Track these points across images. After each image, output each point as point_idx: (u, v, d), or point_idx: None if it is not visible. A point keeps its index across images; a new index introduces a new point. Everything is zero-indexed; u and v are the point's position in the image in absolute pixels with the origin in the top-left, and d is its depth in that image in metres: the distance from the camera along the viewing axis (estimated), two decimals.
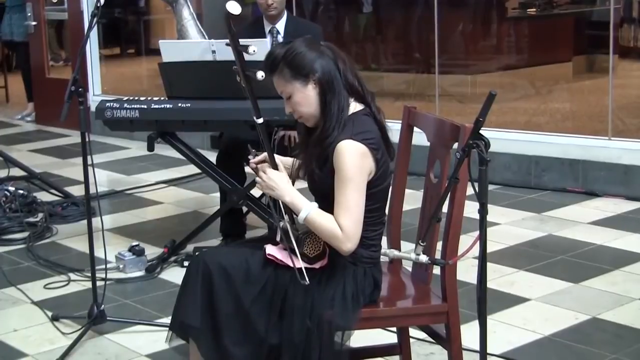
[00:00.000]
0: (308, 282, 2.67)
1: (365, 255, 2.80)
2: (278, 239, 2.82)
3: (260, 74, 2.73)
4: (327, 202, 2.72)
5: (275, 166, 2.81)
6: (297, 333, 2.69)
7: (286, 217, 2.77)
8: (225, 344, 2.71)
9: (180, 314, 2.80)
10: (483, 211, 2.45)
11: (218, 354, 2.74)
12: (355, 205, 2.68)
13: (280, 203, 2.78)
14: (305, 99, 2.76)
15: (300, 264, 2.70)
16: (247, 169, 4.82)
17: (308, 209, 2.71)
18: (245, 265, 2.76)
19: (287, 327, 2.70)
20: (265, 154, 2.85)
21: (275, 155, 2.85)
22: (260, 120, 2.80)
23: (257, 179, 2.80)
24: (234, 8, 2.74)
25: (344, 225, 2.67)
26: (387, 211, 3.10)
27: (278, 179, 2.77)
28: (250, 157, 2.86)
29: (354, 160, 2.67)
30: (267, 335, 2.71)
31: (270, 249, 2.79)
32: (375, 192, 2.76)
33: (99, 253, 3.86)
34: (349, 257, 2.76)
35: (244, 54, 2.79)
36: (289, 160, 2.96)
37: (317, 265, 2.75)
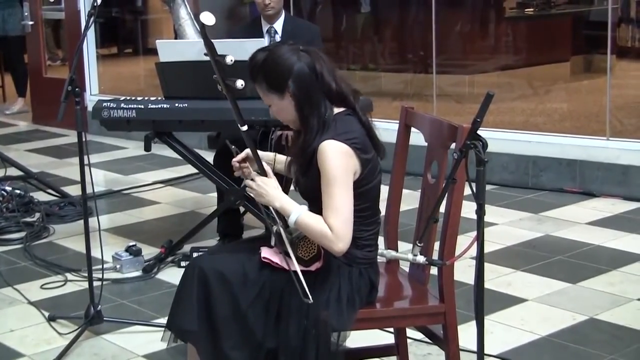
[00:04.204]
0: (312, 300, 2.65)
1: (359, 256, 2.79)
2: (273, 243, 2.82)
3: (240, 83, 2.72)
4: (318, 205, 2.71)
5: (264, 172, 2.80)
6: (293, 336, 2.68)
7: (280, 222, 2.77)
8: (224, 348, 2.70)
9: (178, 320, 2.79)
10: (480, 211, 2.45)
11: (217, 358, 2.73)
12: (342, 205, 2.66)
13: (272, 208, 2.78)
14: (283, 110, 2.77)
15: (298, 269, 2.68)
16: None
17: (297, 212, 2.70)
18: (242, 269, 2.75)
19: (283, 330, 2.70)
20: (246, 151, 2.86)
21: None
22: (245, 128, 2.80)
23: (248, 188, 2.80)
24: (208, 19, 2.76)
25: (333, 225, 2.65)
26: (383, 212, 3.11)
27: (267, 186, 2.76)
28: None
29: (337, 159, 2.67)
30: (264, 339, 2.70)
31: (265, 252, 2.79)
32: (363, 191, 2.75)
33: (95, 253, 3.85)
34: (343, 258, 2.75)
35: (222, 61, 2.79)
36: (270, 155, 2.96)
37: (312, 268, 2.75)
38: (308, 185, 2.76)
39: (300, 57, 2.73)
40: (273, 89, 2.74)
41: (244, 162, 2.86)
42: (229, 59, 2.73)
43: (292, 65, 2.71)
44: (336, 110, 2.78)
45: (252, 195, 2.80)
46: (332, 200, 2.66)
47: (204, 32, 2.76)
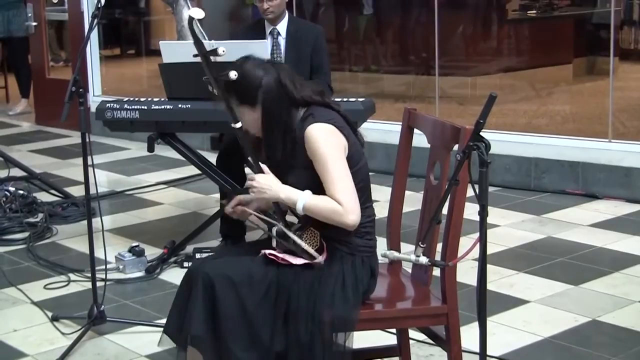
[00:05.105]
0: (322, 259, 2.74)
1: (361, 244, 2.83)
2: (274, 245, 2.83)
3: (234, 73, 2.76)
4: (321, 194, 2.76)
5: (260, 170, 2.83)
6: (303, 333, 2.70)
7: (280, 222, 2.79)
8: (232, 349, 2.70)
9: (185, 326, 2.78)
10: (483, 213, 2.45)
11: (224, 359, 2.73)
12: (343, 179, 2.72)
13: (272, 209, 2.81)
14: (254, 121, 2.84)
15: (318, 257, 2.74)
16: (247, 170, 4.83)
17: (304, 197, 2.75)
18: (247, 270, 2.76)
19: (293, 329, 2.71)
20: (237, 198, 2.95)
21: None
22: (238, 125, 2.82)
23: (250, 188, 2.83)
24: (197, 13, 2.80)
25: (340, 199, 2.70)
26: (385, 213, 3.12)
27: (268, 181, 2.80)
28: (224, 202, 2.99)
29: (325, 138, 2.74)
30: (272, 341, 2.71)
31: (269, 250, 2.80)
32: (353, 173, 2.79)
33: (99, 253, 3.86)
34: (345, 248, 2.80)
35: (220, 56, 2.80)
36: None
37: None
38: (303, 178, 2.78)
39: (267, 70, 2.82)
40: (245, 102, 2.81)
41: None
42: (221, 50, 2.76)
43: (261, 78, 2.79)
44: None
45: (256, 194, 2.82)
46: (333, 177, 2.71)
47: (192, 26, 2.79)
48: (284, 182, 2.81)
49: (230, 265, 2.80)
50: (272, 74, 2.81)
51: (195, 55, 2.78)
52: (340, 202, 2.70)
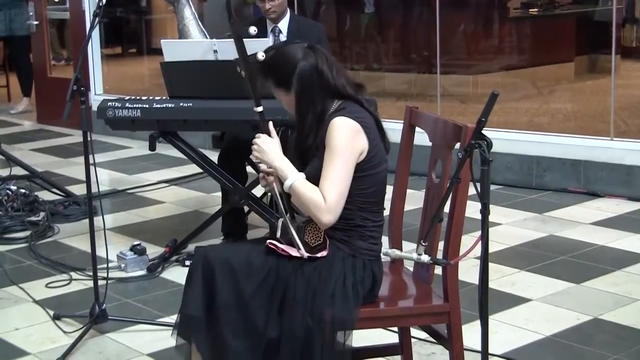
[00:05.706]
0: (307, 255, 2.73)
1: (363, 247, 2.82)
2: (278, 235, 2.83)
3: (261, 54, 2.79)
4: None
5: (269, 135, 2.85)
6: (297, 327, 2.69)
7: (287, 214, 2.79)
8: (224, 335, 2.71)
9: (182, 308, 2.80)
10: (485, 211, 2.45)
11: (216, 345, 2.73)
12: (341, 180, 2.71)
13: (280, 199, 2.80)
14: (290, 105, 2.86)
15: (302, 250, 2.74)
16: (249, 169, 4.83)
17: (295, 177, 2.75)
18: (247, 257, 2.77)
19: (287, 321, 2.70)
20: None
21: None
22: (260, 109, 2.84)
23: (253, 145, 2.84)
24: None
25: (328, 196, 2.70)
26: (387, 211, 3.12)
27: (270, 143, 2.81)
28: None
29: (346, 135, 2.73)
30: (266, 329, 2.71)
31: (271, 240, 2.81)
32: (370, 175, 2.79)
33: (100, 252, 3.86)
34: (347, 249, 2.79)
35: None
36: None
37: (318, 255, 2.76)
38: (318, 168, 2.77)
39: (305, 55, 2.81)
40: (279, 85, 2.84)
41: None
42: (252, 29, 2.78)
43: (297, 63, 2.79)
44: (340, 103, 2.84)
45: (254, 153, 2.84)
46: (331, 173, 2.71)
47: (229, 5, 2.80)
48: (301, 168, 2.80)
49: (231, 251, 2.82)
50: (311, 60, 2.80)
51: (229, 36, 2.80)
52: (326, 199, 2.70)
